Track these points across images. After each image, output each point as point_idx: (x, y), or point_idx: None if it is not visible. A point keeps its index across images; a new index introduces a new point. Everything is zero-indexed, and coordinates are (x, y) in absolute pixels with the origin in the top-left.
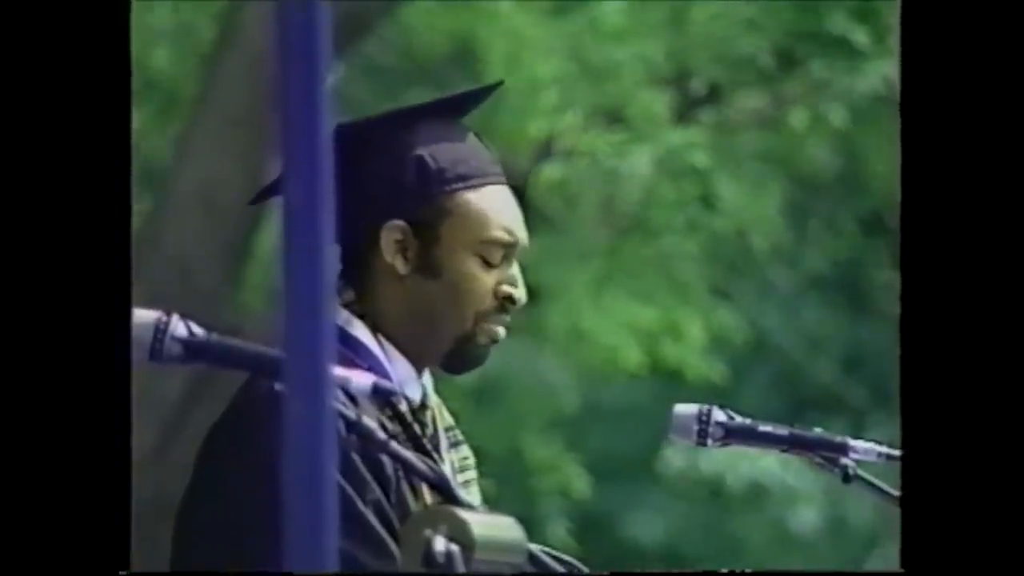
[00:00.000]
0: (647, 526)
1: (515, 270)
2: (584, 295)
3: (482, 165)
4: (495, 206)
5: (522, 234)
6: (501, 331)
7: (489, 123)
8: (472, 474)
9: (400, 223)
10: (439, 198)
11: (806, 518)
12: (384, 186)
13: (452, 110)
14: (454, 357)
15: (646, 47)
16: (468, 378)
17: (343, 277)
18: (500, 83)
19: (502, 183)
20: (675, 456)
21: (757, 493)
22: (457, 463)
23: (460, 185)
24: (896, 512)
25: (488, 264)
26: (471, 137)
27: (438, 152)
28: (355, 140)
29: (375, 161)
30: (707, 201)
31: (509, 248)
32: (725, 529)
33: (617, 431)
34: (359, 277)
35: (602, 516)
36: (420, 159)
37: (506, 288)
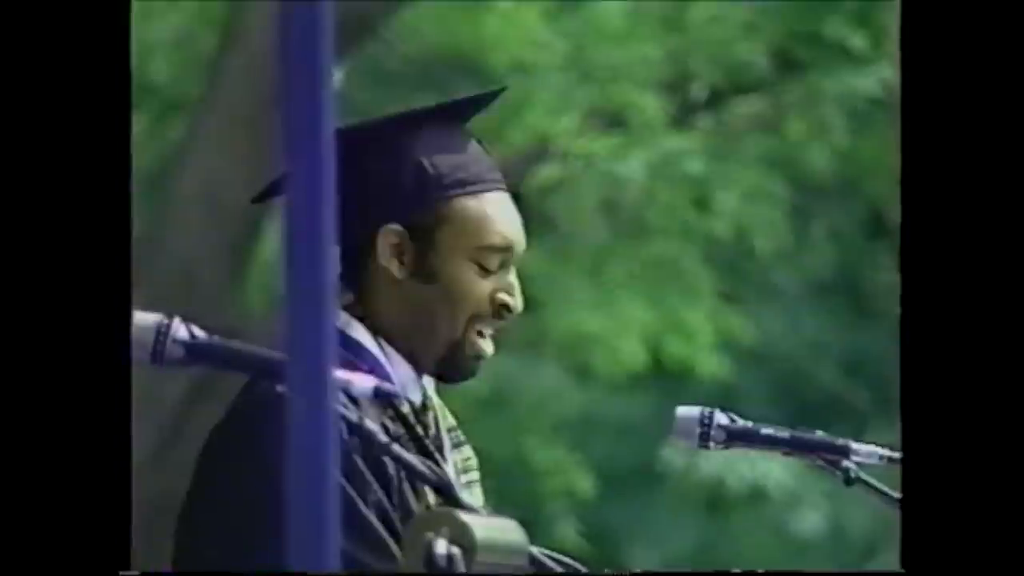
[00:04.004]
0: (649, 528)
1: (513, 278)
2: (586, 297)
3: (482, 171)
4: (493, 213)
5: (520, 240)
6: (488, 348)
7: (487, 124)
8: (475, 475)
9: (397, 227)
10: (436, 203)
11: (808, 522)
12: (382, 189)
13: (454, 115)
14: (446, 364)
15: (645, 49)
16: (473, 383)
17: (342, 279)
18: (503, 89)
19: (502, 190)
20: (677, 458)
21: (759, 496)
22: (460, 464)
23: (458, 191)
24: (897, 516)
25: (485, 271)
26: (472, 143)
27: (437, 158)
28: (355, 143)
29: (374, 164)
30: (707, 206)
31: (506, 255)
32: (726, 532)
33: (619, 434)
34: (358, 280)
35: (604, 518)
36: (419, 164)
37: (503, 296)
